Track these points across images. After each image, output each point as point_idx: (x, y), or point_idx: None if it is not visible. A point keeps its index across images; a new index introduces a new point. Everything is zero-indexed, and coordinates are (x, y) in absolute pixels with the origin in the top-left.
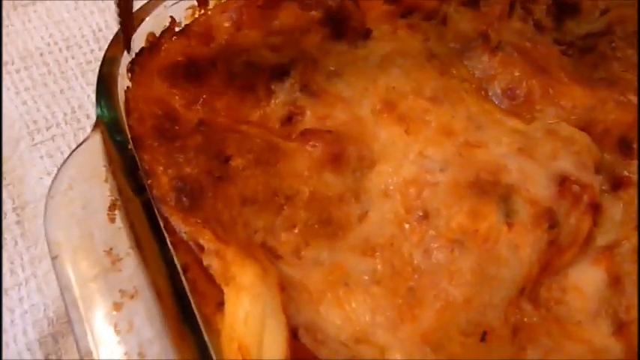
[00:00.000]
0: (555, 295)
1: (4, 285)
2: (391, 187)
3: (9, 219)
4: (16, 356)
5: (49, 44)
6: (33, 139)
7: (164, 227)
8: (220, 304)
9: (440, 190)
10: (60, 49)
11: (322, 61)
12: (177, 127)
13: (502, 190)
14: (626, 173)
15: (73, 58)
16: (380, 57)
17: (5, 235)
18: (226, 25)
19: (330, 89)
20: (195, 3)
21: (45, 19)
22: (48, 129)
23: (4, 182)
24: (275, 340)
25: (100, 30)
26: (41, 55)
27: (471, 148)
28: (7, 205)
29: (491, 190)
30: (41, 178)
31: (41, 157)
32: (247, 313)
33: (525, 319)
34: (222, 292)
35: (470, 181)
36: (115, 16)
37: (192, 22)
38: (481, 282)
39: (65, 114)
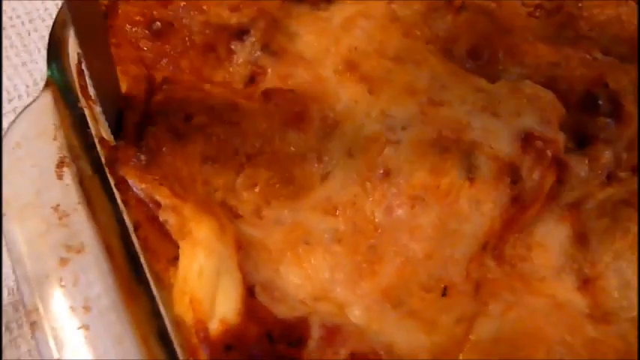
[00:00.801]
0: (520, 252)
1: None
2: (353, 147)
3: None
4: None
5: (11, 18)
6: None
7: (115, 185)
8: (173, 260)
9: (401, 148)
10: (22, 23)
11: (283, 22)
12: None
13: (464, 147)
14: (591, 130)
15: (35, 31)
16: (343, 19)
17: None
18: None
19: (291, 49)
20: None
21: None
22: (10, 101)
23: None
24: (228, 296)
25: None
26: (3, 29)
27: (435, 106)
28: None
29: (453, 146)
30: None
31: (3, 130)
32: (202, 267)
33: (489, 276)
34: (174, 249)
35: (432, 139)
36: None
37: None
38: (442, 237)
39: (27, 86)
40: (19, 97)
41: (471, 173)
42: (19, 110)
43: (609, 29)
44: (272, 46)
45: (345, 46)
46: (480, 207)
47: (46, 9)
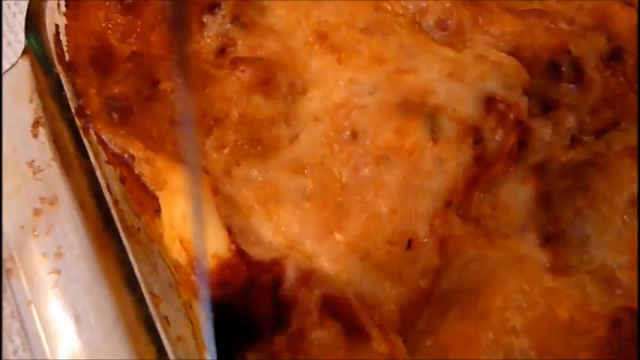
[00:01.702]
0: (485, 211)
1: None
2: (321, 111)
3: None
4: None
5: None
6: None
7: (98, 144)
8: (157, 211)
9: (368, 112)
10: (8, 5)
11: None
12: (112, 59)
13: (429, 110)
14: (555, 96)
15: (21, 12)
16: None
17: None
18: None
19: (261, 21)
20: None
21: None
22: None
23: None
24: (216, 233)
25: None
26: None
27: (401, 73)
28: None
29: (417, 109)
30: None
31: None
32: (184, 212)
33: (454, 232)
34: (157, 201)
35: (398, 102)
36: None
37: None
38: (406, 193)
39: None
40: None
41: (434, 134)
42: None
43: (574, 2)
44: (242, 18)
45: (315, 18)
46: (443, 165)
47: None
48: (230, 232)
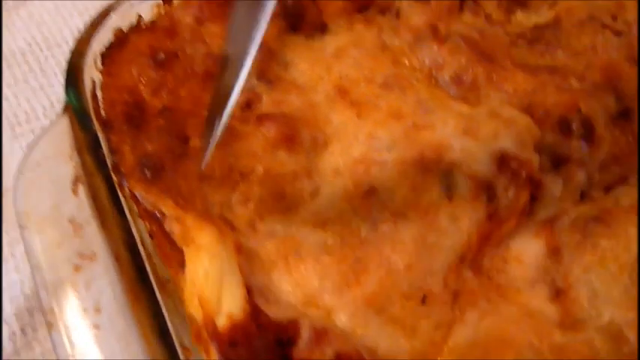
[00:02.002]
0: (497, 264)
1: None
2: (341, 166)
3: None
4: None
5: (30, 45)
6: (14, 131)
7: (130, 199)
8: (182, 266)
9: (386, 168)
10: (41, 49)
11: (279, 51)
12: (144, 114)
13: (444, 167)
14: (566, 152)
15: (52, 57)
16: (335, 48)
17: None
18: (188, 20)
19: (286, 77)
20: (160, 2)
21: (27, 22)
22: (28, 122)
23: None
24: (233, 294)
25: (79, 31)
26: (23, 54)
27: (418, 129)
28: None
29: (434, 167)
30: None
31: (21, 148)
32: (207, 270)
33: (467, 286)
34: (183, 255)
35: (415, 159)
36: None
37: (157, 18)
38: (422, 250)
39: (44, 108)
40: (37, 118)
41: (449, 191)
42: (37, 131)
43: (584, 58)
44: (267, 74)
45: (337, 73)
46: (457, 223)
47: (62, 36)
48: (249, 291)
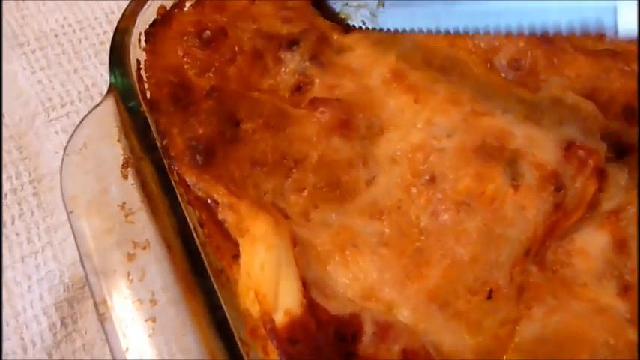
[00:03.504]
0: (561, 257)
1: (22, 253)
2: (399, 153)
3: (26, 191)
4: (33, 320)
5: (63, 26)
6: (49, 116)
7: (179, 185)
8: (235, 257)
9: (446, 155)
10: (74, 31)
11: (333, 36)
12: (190, 94)
13: (508, 155)
14: (630, 140)
15: (86, 39)
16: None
17: (22, 206)
18: None
19: (339, 61)
20: None
21: (59, 2)
22: (63, 106)
23: (20, 156)
24: (291, 287)
25: (113, 12)
26: (56, 36)
27: (478, 115)
28: (24, 178)
29: (497, 154)
30: (57, 153)
31: (56, 133)
32: (263, 262)
33: (531, 280)
34: (236, 246)
35: (476, 146)
36: None
37: None
38: (487, 241)
39: (79, 92)
40: (72, 102)
41: (515, 180)
42: (72, 115)
43: None
44: (320, 57)
45: (393, 55)
46: (523, 213)
47: (95, 17)
48: (305, 284)
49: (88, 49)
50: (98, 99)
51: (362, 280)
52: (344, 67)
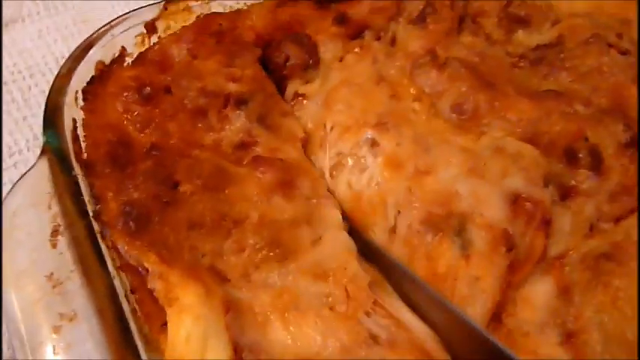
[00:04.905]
0: (507, 308)
1: None
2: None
3: None
4: None
5: (12, 73)
6: None
7: (112, 250)
8: (165, 325)
9: (396, 240)
10: (24, 78)
11: (279, 99)
12: (130, 152)
13: (455, 222)
14: (573, 183)
15: (36, 85)
16: (326, 94)
17: None
18: (182, 54)
19: (285, 124)
20: (144, 31)
21: (9, 49)
22: (11, 156)
23: None
24: (218, 357)
25: (63, 57)
26: (5, 84)
27: (421, 176)
28: None
29: (444, 224)
30: None
31: (4, 184)
32: (189, 333)
33: None
34: (165, 314)
35: (422, 220)
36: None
37: (147, 50)
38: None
39: (27, 140)
40: (20, 151)
41: (465, 250)
42: (19, 165)
43: (590, 80)
44: (267, 119)
45: (330, 124)
46: (479, 285)
47: (46, 64)
48: (238, 350)
49: (37, 95)
50: None
51: (304, 344)
52: (288, 132)
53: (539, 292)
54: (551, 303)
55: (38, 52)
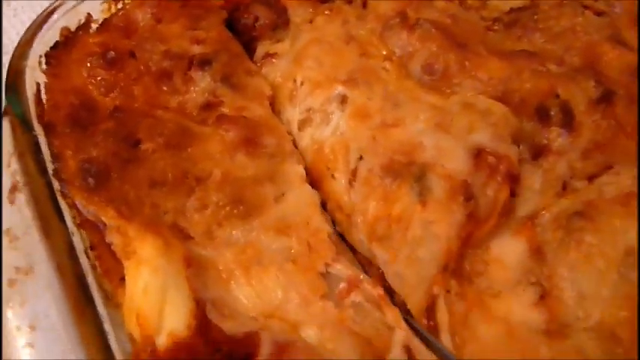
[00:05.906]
0: (477, 267)
1: None
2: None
3: None
4: None
5: None
6: None
7: (72, 208)
8: (123, 279)
9: (356, 184)
10: None
11: (244, 58)
12: (94, 115)
13: (416, 170)
14: (545, 141)
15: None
16: (296, 52)
17: None
18: (147, 18)
19: (250, 83)
20: None
21: None
22: None
23: None
24: (177, 310)
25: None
26: None
27: (387, 128)
28: None
29: (404, 171)
30: None
31: None
32: (146, 284)
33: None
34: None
35: (383, 166)
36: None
37: (112, 15)
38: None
39: None
40: None
41: (422, 196)
42: None
43: (563, 40)
44: (232, 79)
45: (299, 79)
46: (432, 228)
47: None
48: (200, 305)
49: None
50: None
51: (266, 298)
52: (255, 90)
53: (511, 252)
54: (524, 263)
55: (13, 30)
